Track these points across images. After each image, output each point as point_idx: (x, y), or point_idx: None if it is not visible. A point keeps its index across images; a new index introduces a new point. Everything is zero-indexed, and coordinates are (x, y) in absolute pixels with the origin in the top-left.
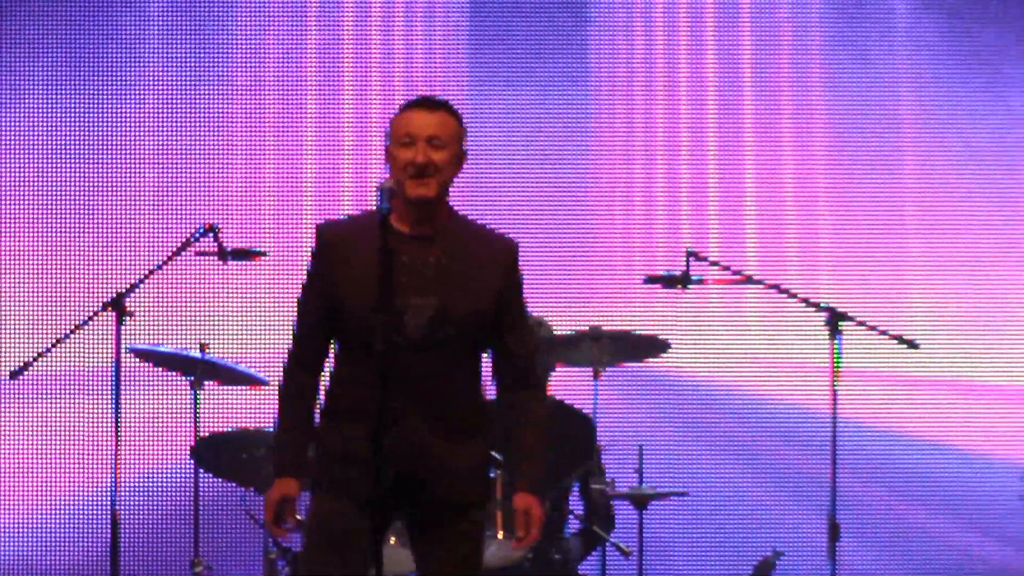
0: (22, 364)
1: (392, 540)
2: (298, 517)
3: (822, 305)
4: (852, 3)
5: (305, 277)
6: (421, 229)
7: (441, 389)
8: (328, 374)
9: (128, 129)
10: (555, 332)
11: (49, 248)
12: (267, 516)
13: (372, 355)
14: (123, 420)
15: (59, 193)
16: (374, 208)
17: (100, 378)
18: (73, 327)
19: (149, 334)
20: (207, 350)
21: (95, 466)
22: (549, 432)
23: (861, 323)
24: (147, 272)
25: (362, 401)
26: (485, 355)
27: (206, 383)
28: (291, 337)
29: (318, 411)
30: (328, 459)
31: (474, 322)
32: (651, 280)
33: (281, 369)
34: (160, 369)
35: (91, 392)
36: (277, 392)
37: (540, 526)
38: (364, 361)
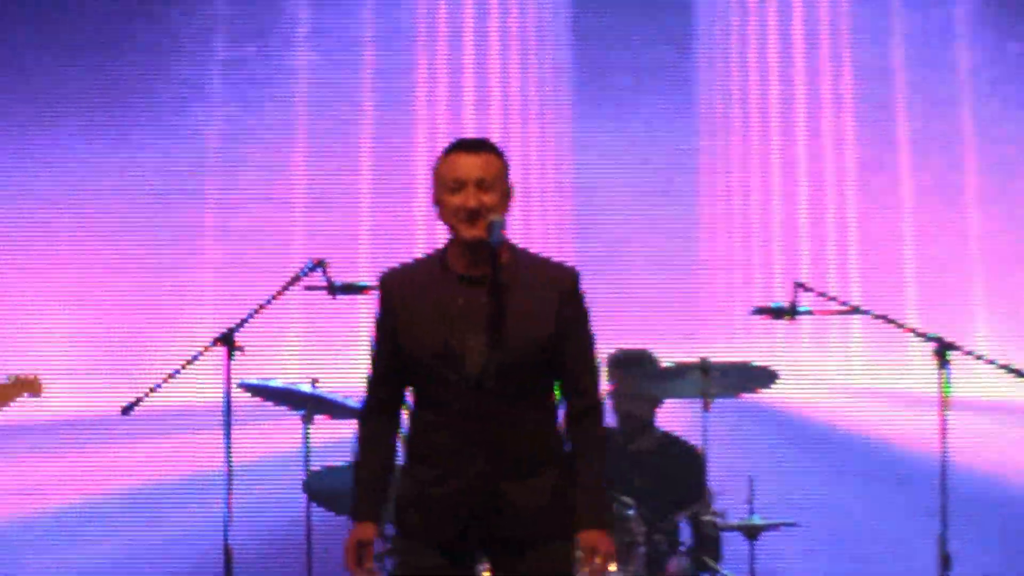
0: (134, 400)
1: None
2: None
3: (930, 335)
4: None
5: (374, 325)
6: (478, 269)
7: (509, 425)
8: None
9: (237, 165)
10: (663, 364)
11: (160, 284)
12: (347, 560)
13: (440, 398)
14: (235, 454)
15: (169, 229)
16: (434, 251)
17: (211, 413)
18: (184, 363)
19: (259, 369)
20: (318, 384)
21: (208, 501)
22: (660, 465)
23: (969, 352)
24: (257, 307)
25: (433, 443)
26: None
27: (316, 417)
28: (366, 383)
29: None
30: (404, 503)
31: (533, 356)
32: (759, 311)
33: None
34: (271, 404)
35: (202, 427)
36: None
37: (611, 557)
38: (433, 403)
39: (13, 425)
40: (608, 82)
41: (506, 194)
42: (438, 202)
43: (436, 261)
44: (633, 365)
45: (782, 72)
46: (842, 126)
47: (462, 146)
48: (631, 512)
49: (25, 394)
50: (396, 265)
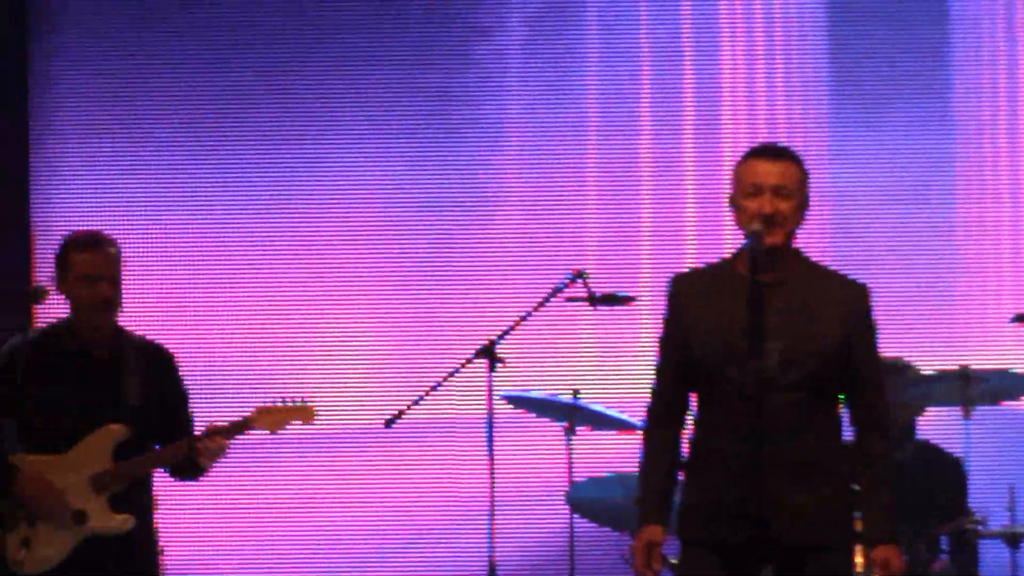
0: (397, 412)
1: None
2: (672, 561)
3: None
4: None
5: (662, 329)
6: (769, 276)
7: (794, 433)
8: (692, 423)
9: (497, 177)
10: (922, 372)
11: (421, 298)
12: (637, 563)
13: (726, 403)
14: (497, 466)
15: (428, 242)
16: (726, 257)
17: (474, 425)
18: (446, 375)
19: (521, 381)
20: (579, 395)
21: (471, 513)
22: (920, 475)
23: None
24: (518, 319)
25: (719, 449)
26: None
27: (579, 428)
28: (652, 388)
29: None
30: (687, 510)
31: (822, 366)
32: (1019, 318)
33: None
34: (533, 415)
35: (465, 439)
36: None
37: (902, 573)
38: (719, 409)
39: (277, 438)
40: (863, 92)
41: (803, 204)
42: (734, 205)
43: (728, 266)
44: (891, 372)
45: None
46: None
47: (763, 152)
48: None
49: (297, 420)
50: (686, 270)
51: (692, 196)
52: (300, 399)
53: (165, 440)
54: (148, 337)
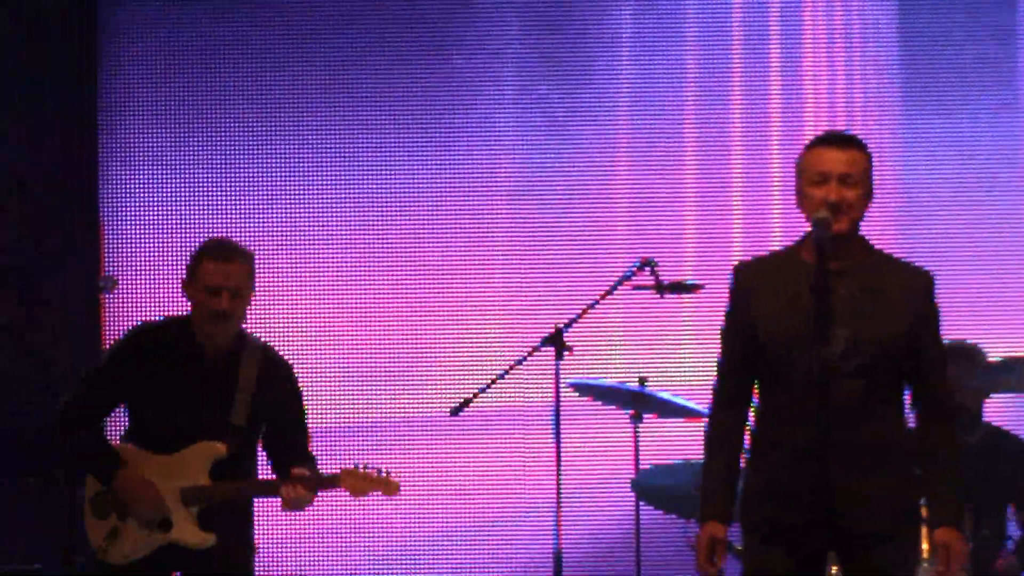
0: (463, 401)
1: (834, 569)
2: (737, 547)
3: None
4: None
5: (725, 316)
6: (834, 264)
7: (858, 420)
8: (755, 411)
9: (564, 166)
10: (990, 359)
11: (489, 286)
12: (699, 558)
13: (791, 390)
14: (564, 454)
15: (496, 230)
16: (790, 244)
17: (540, 413)
18: (513, 363)
19: (588, 369)
20: (646, 383)
21: (538, 500)
22: (988, 460)
23: None
24: (585, 307)
25: (783, 436)
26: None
27: (645, 416)
28: (715, 376)
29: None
30: (753, 496)
31: (887, 352)
32: None
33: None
34: (599, 403)
35: (532, 427)
36: (704, 432)
37: (962, 560)
38: (784, 397)
39: (343, 426)
40: (933, 80)
41: (868, 192)
42: (800, 193)
43: (792, 253)
44: (960, 358)
45: None
46: None
47: (829, 140)
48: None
49: (378, 492)
50: (749, 258)
51: (774, 184)
52: (386, 471)
53: (275, 455)
54: (272, 345)
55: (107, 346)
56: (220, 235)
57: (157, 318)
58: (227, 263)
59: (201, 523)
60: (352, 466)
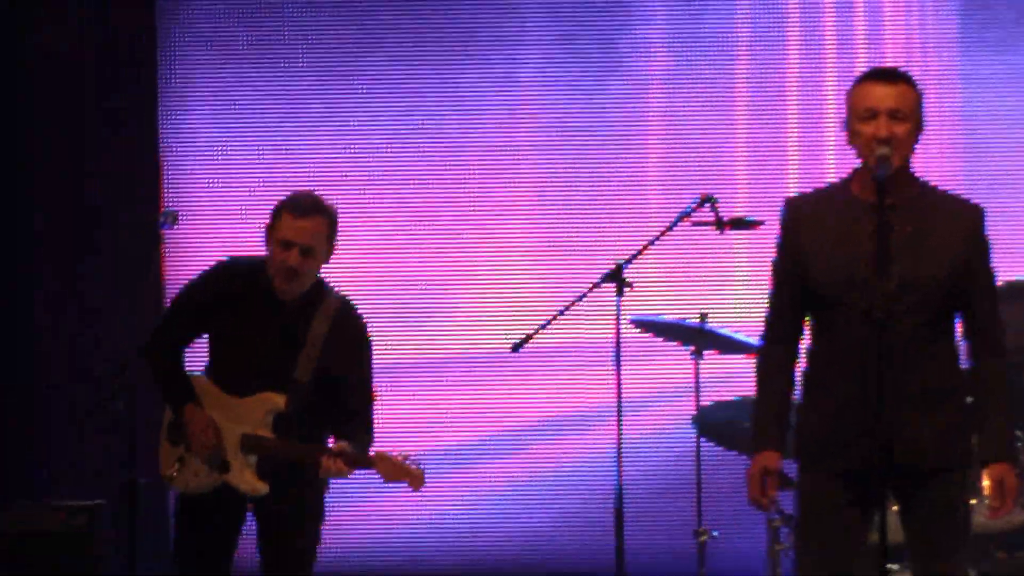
0: (524, 337)
1: (894, 507)
2: (792, 480)
3: None
4: None
5: (776, 252)
6: (887, 198)
7: (911, 356)
8: (805, 347)
9: (627, 102)
10: None
11: (550, 222)
12: (751, 490)
13: (845, 328)
14: (625, 390)
15: (557, 165)
16: (839, 180)
17: (601, 349)
18: (573, 299)
19: (649, 305)
20: (706, 319)
21: (598, 437)
22: None
23: None
24: (645, 243)
25: (837, 374)
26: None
27: (705, 352)
28: (766, 312)
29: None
30: (805, 435)
31: (940, 288)
32: None
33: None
34: (660, 339)
35: (593, 363)
36: (755, 366)
37: (1015, 495)
38: (835, 333)
39: (404, 364)
40: (992, 15)
41: (918, 127)
42: (849, 129)
43: (843, 189)
44: (1017, 297)
45: None
46: None
47: (877, 75)
48: (1020, 444)
49: (404, 482)
50: (797, 193)
51: (830, 119)
52: (418, 464)
53: (333, 416)
54: (352, 301)
55: (167, 281)
56: (306, 189)
57: (243, 256)
58: (302, 218)
59: (259, 472)
60: (387, 452)
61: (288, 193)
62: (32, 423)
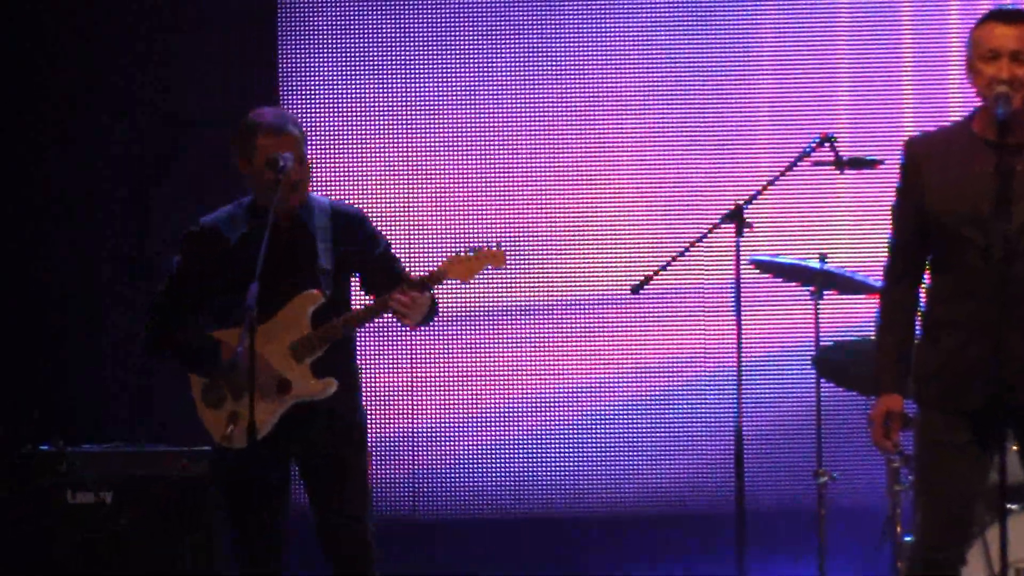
0: (643, 278)
1: (1014, 448)
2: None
3: None
4: None
5: (896, 192)
6: (1008, 138)
7: None
8: (926, 289)
9: (746, 39)
10: None
11: (669, 161)
12: (875, 432)
13: (967, 267)
14: (745, 330)
15: (677, 105)
16: (961, 119)
17: (721, 290)
18: (693, 240)
19: (769, 245)
20: (826, 259)
21: (718, 377)
22: None
23: None
24: (765, 183)
25: (958, 314)
26: None
27: (826, 293)
28: (887, 251)
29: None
30: (926, 375)
31: None
32: None
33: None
34: (780, 280)
35: (712, 304)
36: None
37: None
38: (956, 272)
39: (522, 308)
40: None
41: None
42: (971, 69)
43: (964, 128)
44: None
45: None
46: None
47: (1000, 16)
48: None
49: (488, 266)
50: (919, 133)
51: (951, 56)
52: (490, 243)
53: (380, 293)
54: (334, 199)
55: None
56: (260, 108)
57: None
58: (285, 135)
59: (317, 374)
60: (452, 253)
61: (392, 124)
62: (139, 370)
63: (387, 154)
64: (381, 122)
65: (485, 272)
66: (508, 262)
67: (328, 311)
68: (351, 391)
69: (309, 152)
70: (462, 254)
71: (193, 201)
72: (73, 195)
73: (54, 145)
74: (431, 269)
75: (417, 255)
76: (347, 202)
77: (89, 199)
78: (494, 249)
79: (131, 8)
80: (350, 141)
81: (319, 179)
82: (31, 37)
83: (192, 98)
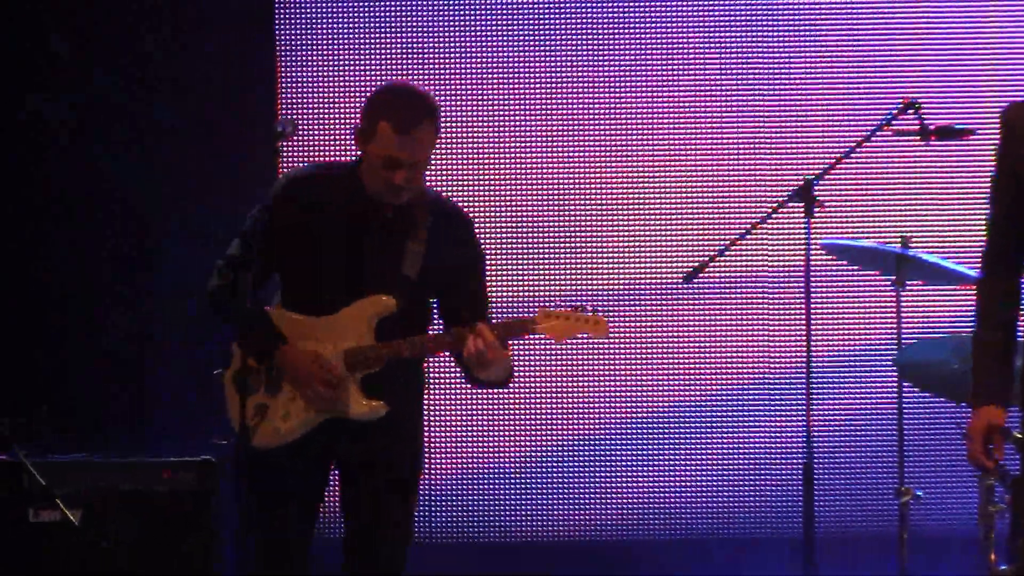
0: (698, 265)
1: None
2: (1018, 435)
3: None
4: None
5: (995, 166)
6: None
7: None
8: None
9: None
10: None
11: (730, 133)
12: (973, 449)
13: None
14: (815, 324)
15: (739, 69)
16: None
17: (788, 278)
18: (756, 222)
19: (843, 227)
20: (910, 244)
21: (786, 377)
22: None
23: None
24: (839, 156)
25: None
26: None
27: (909, 283)
28: (986, 233)
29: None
30: None
31: None
32: None
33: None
34: (856, 267)
35: (778, 294)
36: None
37: None
38: None
39: (575, 294)
40: None
41: None
42: None
43: None
44: None
45: None
46: None
47: None
48: None
49: (586, 333)
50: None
51: None
52: (592, 309)
53: (452, 316)
54: (445, 196)
55: None
56: (404, 83)
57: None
58: (410, 134)
59: (366, 392)
60: (549, 307)
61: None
62: (145, 375)
63: None
64: None
65: (515, 263)
66: (556, 247)
67: (396, 324)
68: (405, 414)
69: (309, 153)
70: (562, 311)
71: (194, 201)
72: (73, 195)
73: (54, 145)
74: (520, 317)
75: None
76: (452, 201)
77: (89, 199)
78: (597, 316)
79: (131, 8)
80: (350, 141)
81: None
82: (31, 37)
83: (192, 98)
